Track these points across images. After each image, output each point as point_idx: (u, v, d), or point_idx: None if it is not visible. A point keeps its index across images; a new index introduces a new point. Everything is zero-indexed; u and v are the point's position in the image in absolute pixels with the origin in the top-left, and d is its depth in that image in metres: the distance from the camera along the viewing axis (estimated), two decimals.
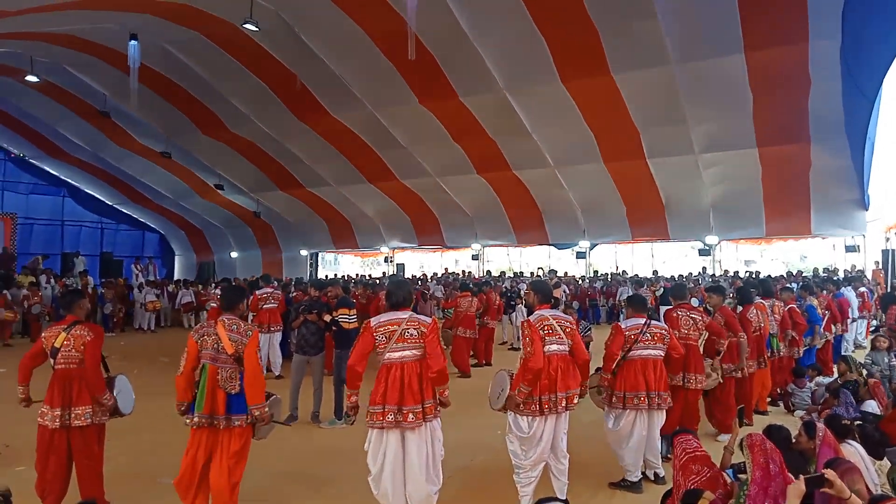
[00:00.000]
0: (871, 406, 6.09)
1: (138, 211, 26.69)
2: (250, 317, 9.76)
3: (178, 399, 4.36)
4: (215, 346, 4.30)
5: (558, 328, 4.64)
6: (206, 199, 24.36)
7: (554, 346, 4.59)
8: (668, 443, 4.20)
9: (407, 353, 4.17)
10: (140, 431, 6.45)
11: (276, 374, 10.09)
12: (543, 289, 5.00)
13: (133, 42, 13.10)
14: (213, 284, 19.74)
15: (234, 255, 27.23)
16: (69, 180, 24.68)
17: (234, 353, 4.28)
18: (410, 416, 4.08)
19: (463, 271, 23.83)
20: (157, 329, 18.22)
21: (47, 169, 23.90)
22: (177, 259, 29.23)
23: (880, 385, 6.54)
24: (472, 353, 11.36)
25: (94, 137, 20.45)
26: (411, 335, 4.17)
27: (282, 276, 22.81)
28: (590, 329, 8.41)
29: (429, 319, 4.33)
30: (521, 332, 4.87)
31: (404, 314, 4.26)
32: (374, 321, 4.25)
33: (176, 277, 25.19)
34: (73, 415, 4.36)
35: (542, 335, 4.55)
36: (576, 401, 4.69)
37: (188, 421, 4.32)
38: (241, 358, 4.30)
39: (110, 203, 26.07)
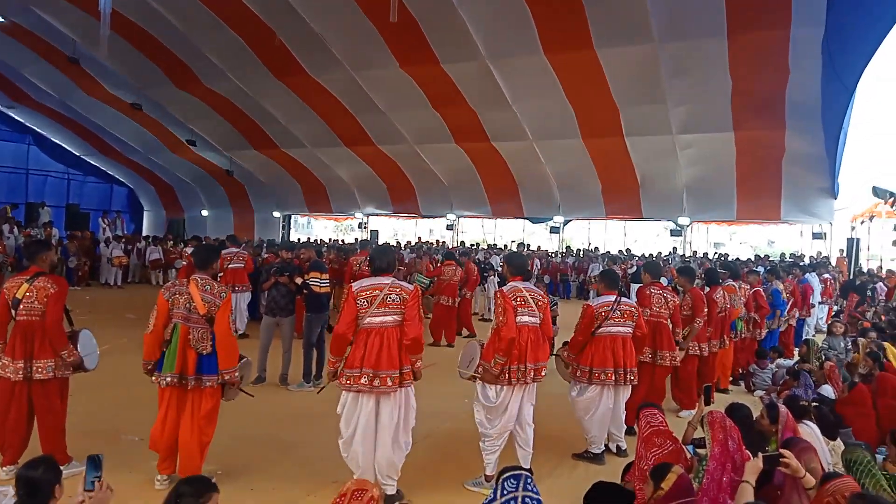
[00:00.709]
0: (827, 391, 6.28)
1: (107, 163, 26.01)
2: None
3: (145, 357, 4.30)
4: (187, 305, 4.24)
5: (531, 300, 4.68)
6: (177, 154, 23.82)
7: (525, 318, 4.63)
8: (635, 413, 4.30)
9: (388, 318, 4.16)
10: (104, 388, 6.37)
11: (241, 332, 10.01)
12: (518, 261, 5.03)
13: None
14: (183, 242, 19.43)
15: (204, 213, 26.81)
16: (35, 128, 23.88)
17: (207, 314, 4.23)
18: (389, 380, 4.09)
19: (437, 241, 23.82)
20: (124, 285, 17.93)
21: (12, 115, 23.07)
22: (145, 215, 28.69)
23: (836, 369, 6.75)
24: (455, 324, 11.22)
25: (62, 84, 19.75)
26: (393, 301, 4.17)
27: (254, 237, 22.55)
28: (556, 304, 8.48)
29: (411, 286, 4.32)
30: (493, 302, 4.87)
31: (387, 280, 4.25)
32: (355, 286, 4.23)
33: (144, 233, 24.71)
34: (34, 367, 4.28)
35: (515, 306, 4.58)
36: (543, 373, 4.75)
37: (154, 380, 4.28)
38: (212, 319, 4.25)
39: (78, 154, 25.33)
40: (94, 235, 19.80)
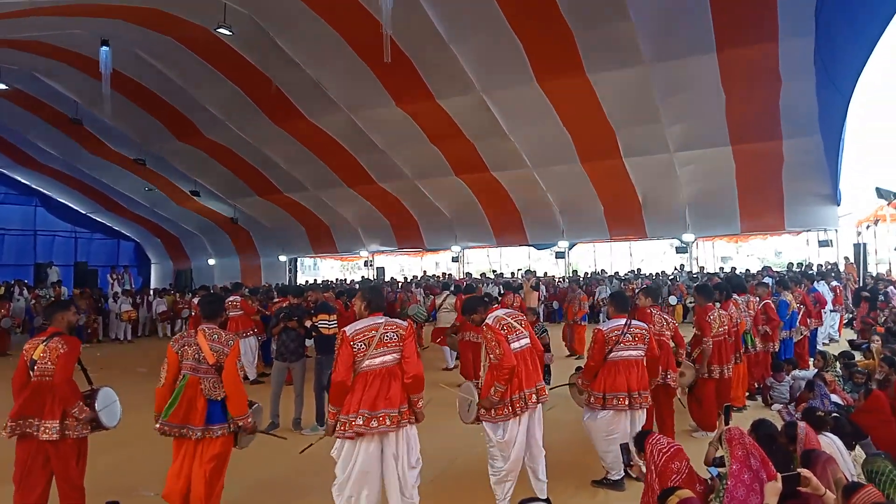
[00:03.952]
0: (837, 399, 6.21)
1: (113, 219, 26.31)
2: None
3: (157, 410, 4.31)
4: (196, 356, 4.26)
5: (515, 324, 4.70)
6: (182, 206, 24.09)
7: (516, 344, 4.62)
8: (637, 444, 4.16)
9: (388, 357, 4.08)
10: (119, 445, 6.33)
11: (251, 379, 9.96)
12: (476, 301, 5.16)
13: (105, 48, 12.91)
14: (191, 293, 19.51)
15: (211, 262, 26.94)
16: (41, 189, 24.25)
17: (216, 363, 4.24)
18: (387, 419, 3.97)
19: (444, 273, 23.82)
20: (134, 339, 17.95)
21: (18, 178, 23.43)
22: (153, 267, 28.87)
23: (835, 382, 6.74)
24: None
25: (66, 146, 20.12)
26: (390, 339, 4.10)
27: (261, 282, 22.64)
28: (546, 331, 8.42)
29: (405, 322, 4.26)
30: (483, 336, 4.69)
31: (380, 319, 4.19)
32: (349, 330, 4.11)
33: (153, 286, 24.85)
34: (41, 428, 4.26)
35: (505, 335, 4.57)
36: (546, 392, 4.72)
37: (156, 427, 4.28)
38: (221, 367, 4.26)
39: (84, 212, 25.67)
40: (102, 291, 19.89)
